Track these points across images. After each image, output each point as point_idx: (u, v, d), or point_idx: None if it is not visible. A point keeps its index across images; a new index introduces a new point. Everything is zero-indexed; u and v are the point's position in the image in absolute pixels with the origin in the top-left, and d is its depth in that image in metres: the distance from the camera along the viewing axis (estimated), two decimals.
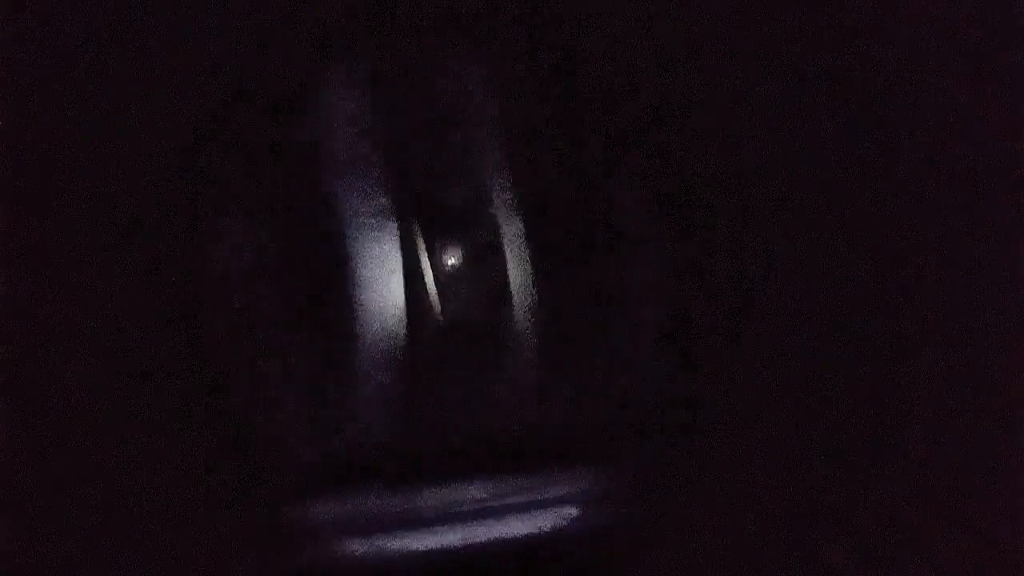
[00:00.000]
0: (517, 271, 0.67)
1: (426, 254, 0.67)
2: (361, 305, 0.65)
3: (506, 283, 0.67)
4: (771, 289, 0.72)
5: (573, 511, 0.67)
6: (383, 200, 0.66)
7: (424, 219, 0.66)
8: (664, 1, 0.72)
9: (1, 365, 0.67)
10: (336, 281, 0.66)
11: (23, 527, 0.66)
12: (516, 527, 0.67)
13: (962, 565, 0.70)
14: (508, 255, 0.67)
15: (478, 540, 0.66)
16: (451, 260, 0.66)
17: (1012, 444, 0.70)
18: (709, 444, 0.71)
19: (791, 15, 0.72)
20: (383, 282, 0.65)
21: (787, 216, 0.71)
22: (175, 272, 0.69)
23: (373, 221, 0.65)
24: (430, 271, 0.67)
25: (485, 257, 0.68)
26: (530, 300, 0.68)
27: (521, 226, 0.67)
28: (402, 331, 0.65)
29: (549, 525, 0.67)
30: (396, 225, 0.65)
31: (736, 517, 0.71)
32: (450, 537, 0.66)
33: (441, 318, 0.67)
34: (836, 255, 0.72)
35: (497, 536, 0.66)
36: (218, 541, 0.68)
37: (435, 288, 0.67)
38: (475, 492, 0.66)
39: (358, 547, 0.65)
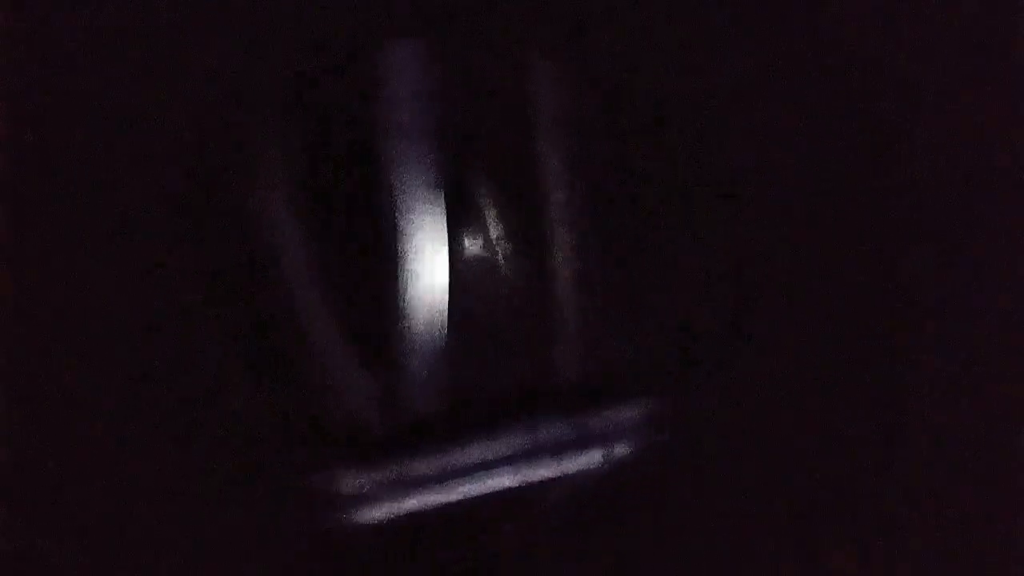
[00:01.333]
0: (547, 247, 0.69)
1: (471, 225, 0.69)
2: (402, 267, 0.67)
3: (538, 259, 0.69)
4: (771, 289, 0.72)
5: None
6: (429, 169, 0.67)
7: (464, 195, 0.69)
8: (667, 2, 0.72)
9: (1, 365, 0.67)
10: (379, 242, 0.67)
11: (23, 526, 0.66)
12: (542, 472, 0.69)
13: (962, 565, 0.71)
14: (538, 232, 0.69)
15: (529, 480, 0.68)
16: (490, 236, 0.69)
17: (1012, 444, 0.71)
18: (709, 443, 0.71)
19: (792, 15, 0.72)
20: (427, 249, 0.67)
21: (787, 216, 0.71)
22: (176, 270, 0.69)
23: (418, 190, 0.67)
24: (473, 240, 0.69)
25: (521, 233, 0.70)
26: (564, 281, 0.69)
27: (564, 217, 0.69)
28: (444, 296, 0.67)
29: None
30: (441, 193, 0.67)
31: (736, 517, 0.71)
32: (505, 480, 0.68)
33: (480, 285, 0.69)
34: (836, 255, 0.72)
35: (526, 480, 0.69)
36: (226, 534, 0.68)
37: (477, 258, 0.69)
38: (516, 441, 0.69)
39: (408, 503, 0.67)
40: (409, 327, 0.67)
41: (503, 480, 0.68)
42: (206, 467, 0.68)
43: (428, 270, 0.67)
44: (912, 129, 0.72)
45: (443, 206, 0.67)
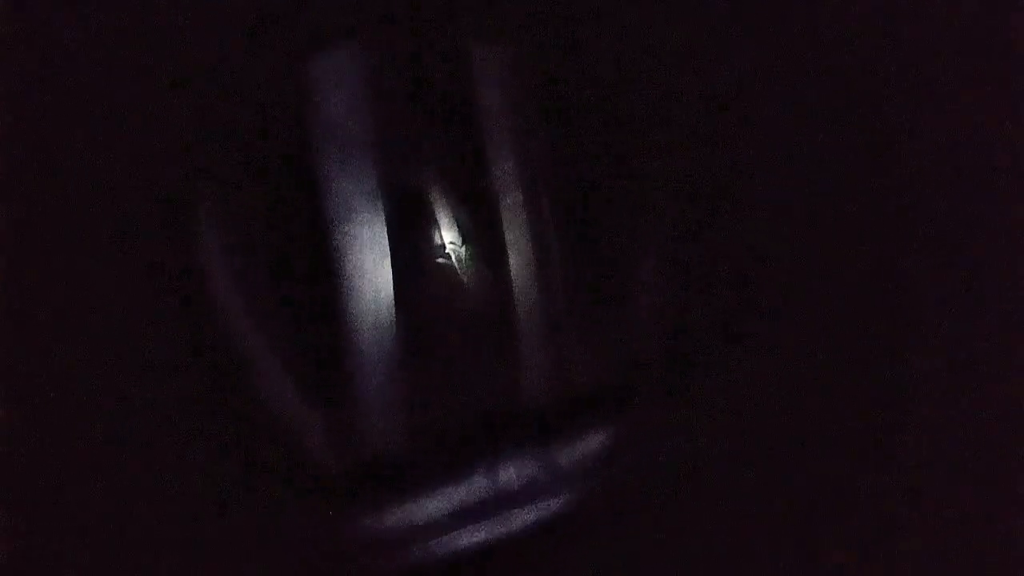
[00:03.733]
0: (514, 262, 0.67)
1: (432, 236, 0.66)
2: (357, 299, 0.65)
3: (503, 273, 0.67)
4: (771, 289, 0.72)
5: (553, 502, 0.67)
6: (377, 187, 0.65)
7: (419, 206, 0.66)
8: (667, 1, 0.72)
9: (1, 365, 0.67)
10: (332, 272, 0.65)
11: (23, 527, 0.66)
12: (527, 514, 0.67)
13: (962, 565, 0.71)
14: (505, 243, 0.67)
15: (520, 524, 0.66)
16: (450, 245, 0.66)
17: (1012, 444, 0.70)
18: (708, 443, 0.71)
19: (792, 15, 0.72)
20: (378, 271, 0.65)
21: (787, 216, 0.72)
22: (175, 270, 0.69)
23: (367, 209, 0.65)
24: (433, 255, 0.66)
25: (481, 245, 0.67)
26: (526, 290, 0.67)
27: (521, 216, 0.67)
28: (396, 327, 0.65)
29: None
30: (389, 210, 0.65)
31: (736, 516, 0.71)
32: (495, 528, 0.66)
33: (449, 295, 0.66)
34: (836, 255, 0.72)
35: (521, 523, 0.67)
36: (224, 537, 0.68)
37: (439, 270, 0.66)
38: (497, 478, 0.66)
39: (404, 554, 0.65)
40: (356, 355, 0.64)
41: (472, 536, 0.66)
42: (206, 467, 0.68)
43: (372, 289, 0.64)
44: (912, 129, 0.72)
45: (384, 217, 0.64)
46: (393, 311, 0.64)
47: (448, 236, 0.66)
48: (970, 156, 0.71)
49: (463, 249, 0.66)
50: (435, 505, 0.65)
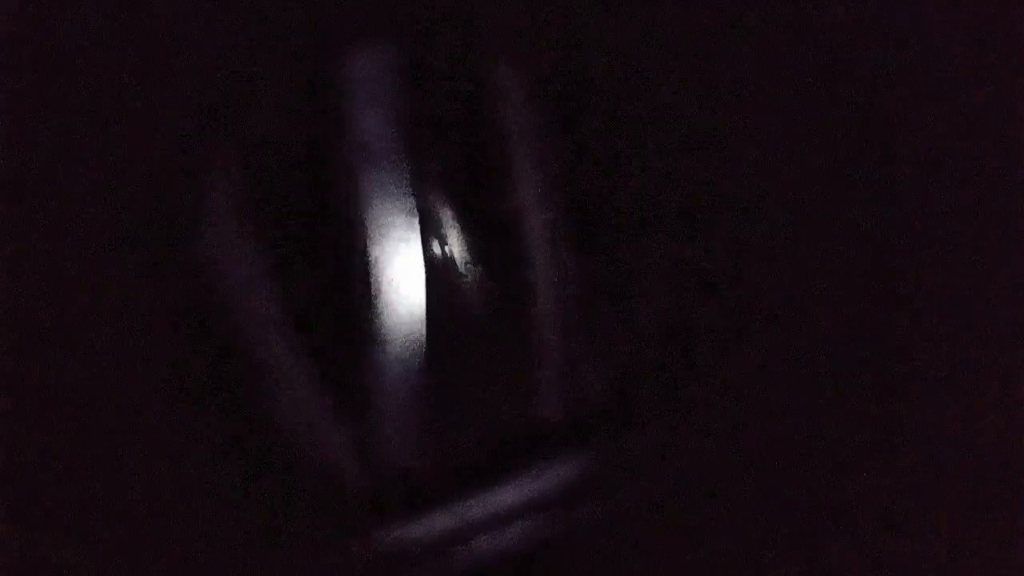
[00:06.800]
0: (529, 270, 0.67)
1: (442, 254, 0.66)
2: (381, 310, 0.65)
3: (519, 283, 0.67)
4: (771, 289, 0.72)
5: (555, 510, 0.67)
6: (399, 201, 0.65)
7: (437, 220, 0.66)
8: (665, 1, 0.72)
9: (1, 365, 0.67)
10: (349, 278, 0.65)
11: (23, 527, 0.66)
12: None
13: (962, 564, 0.71)
14: (518, 254, 0.67)
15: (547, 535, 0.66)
16: (465, 261, 0.66)
17: (1012, 444, 0.71)
18: (707, 443, 0.71)
19: (791, 13, 0.72)
20: (411, 288, 0.64)
21: (787, 216, 0.72)
22: (178, 272, 0.69)
23: (391, 221, 0.64)
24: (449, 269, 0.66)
25: (497, 256, 0.67)
26: (544, 297, 0.67)
27: (541, 235, 0.67)
28: (424, 339, 0.64)
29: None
30: (415, 224, 0.64)
31: (735, 516, 0.71)
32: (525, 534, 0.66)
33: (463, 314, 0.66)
34: (836, 255, 0.72)
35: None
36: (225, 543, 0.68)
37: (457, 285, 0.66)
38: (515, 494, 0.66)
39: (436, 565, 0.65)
40: (385, 367, 0.64)
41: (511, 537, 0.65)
42: (208, 467, 0.68)
43: (405, 304, 0.64)
44: (912, 129, 0.72)
45: (418, 233, 0.64)
46: (424, 325, 0.64)
47: (470, 252, 0.66)
48: (971, 156, 0.71)
49: (479, 269, 0.66)
50: (467, 512, 0.65)
